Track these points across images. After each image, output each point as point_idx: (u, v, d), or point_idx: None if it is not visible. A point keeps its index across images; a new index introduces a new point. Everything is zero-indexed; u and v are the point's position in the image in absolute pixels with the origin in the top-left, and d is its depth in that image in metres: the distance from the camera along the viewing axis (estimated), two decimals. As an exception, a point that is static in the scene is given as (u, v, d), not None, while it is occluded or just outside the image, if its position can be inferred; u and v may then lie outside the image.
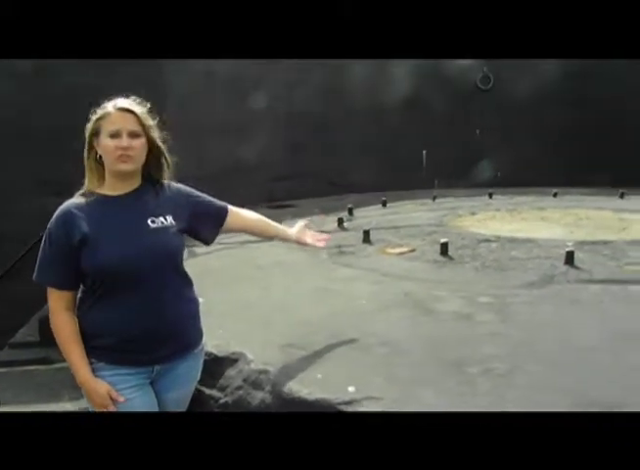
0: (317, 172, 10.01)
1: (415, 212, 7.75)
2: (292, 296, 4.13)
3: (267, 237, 2.94)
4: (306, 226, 3.04)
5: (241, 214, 2.76)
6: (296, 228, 2.98)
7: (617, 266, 4.63)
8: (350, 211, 7.65)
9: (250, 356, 3.11)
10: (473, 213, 7.64)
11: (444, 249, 5.08)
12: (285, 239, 2.97)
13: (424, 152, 10.85)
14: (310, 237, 3.01)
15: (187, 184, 2.59)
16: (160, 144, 2.37)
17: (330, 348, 3.16)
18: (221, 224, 2.65)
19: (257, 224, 2.85)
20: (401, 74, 10.28)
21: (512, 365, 2.84)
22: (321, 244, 3.05)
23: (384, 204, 8.43)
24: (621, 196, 8.55)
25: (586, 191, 9.31)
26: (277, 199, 9.34)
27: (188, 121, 8.21)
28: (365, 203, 8.77)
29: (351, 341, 3.23)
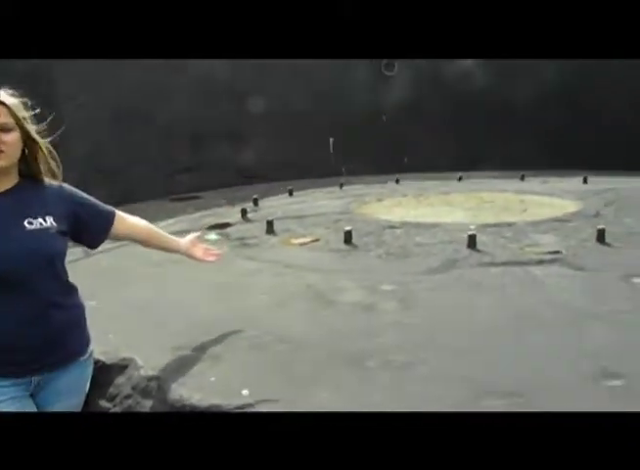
0: (223, 163, 9.76)
1: (321, 201, 7.66)
2: (189, 293, 3.93)
3: (156, 247, 2.77)
4: (198, 239, 2.92)
5: (129, 221, 2.57)
6: (186, 240, 2.85)
7: (518, 248, 4.67)
8: (255, 202, 7.48)
9: (139, 362, 2.90)
10: (379, 200, 7.62)
11: (348, 237, 4.99)
12: (174, 250, 2.82)
13: (331, 139, 10.80)
14: (201, 251, 2.90)
15: (77, 185, 2.38)
16: (36, 137, 2.14)
17: (226, 348, 2.99)
18: (107, 229, 2.45)
19: (146, 232, 2.67)
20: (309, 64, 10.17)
21: (412, 356, 2.76)
22: (211, 258, 2.94)
23: (290, 193, 8.30)
24: (522, 178, 8.77)
25: (490, 174, 9.49)
26: (181, 191, 9.04)
27: (83, 114, 7.82)
28: (272, 192, 8.62)
29: (249, 339, 3.08)
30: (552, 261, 4.25)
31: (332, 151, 10.78)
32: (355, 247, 4.91)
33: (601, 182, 8.05)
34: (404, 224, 5.69)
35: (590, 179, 8.18)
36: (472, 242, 4.69)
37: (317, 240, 5.24)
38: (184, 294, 3.93)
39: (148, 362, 2.88)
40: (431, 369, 2.63)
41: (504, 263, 4.25)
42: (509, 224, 5.52)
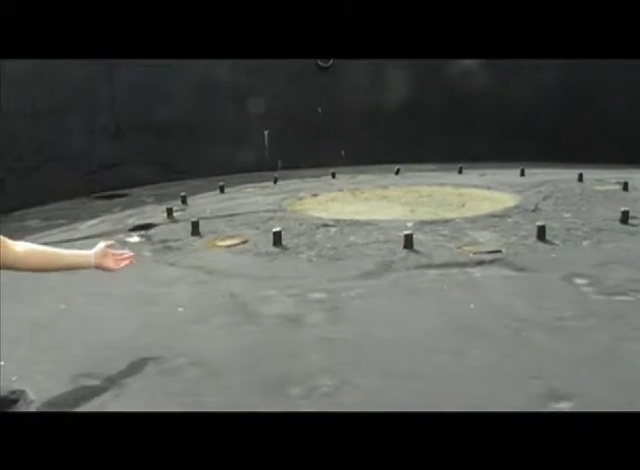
0: (153, 157, 9.25)
1: (254, 197, 7.29)
2: (97, 308, 3.53)
3: (59, 270, 2.40)
4: (108, 247, 2.61)
5: (17, 247, 2.23)
6: (95, 252, 2.51)
7: (456, 247, 4.44)
8: (183, 200, 7.04)
9: (31, 396, 2.53)
10: (314, 195, 7.32)
11: (277, 239, 4.66)
12: (82, 266, 2.49)
13: (265, 132, 10.44)
14: (112, 261, 2.60)
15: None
16: None
17: (132, 374, 2.65)
18: None
19: (41, 256, 2.33)
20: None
21: (340, 380, 2.46)
22: (124, 263, 2.68)
23: (221, 189, 7.88)
24: (460, 171, 8.60)
25: (427, 167, 9.30)
26: (106, 188, 8.50)
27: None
28: (203, 189, 8.19)
29: (159, 363, 2.74)
30: (492, 262, 4.04)
31: (267, 144, 10.42)
32: (285, 249, 4.59)
33: (537, 174, 7.95)
34: (338, 222, 5.39)
35: (527, 171, 8.07)
36: (408, 242, 4.43)
37: (245, 242, 4.89)
38: (91, 308, 3.54)
39: (41, 395, 2.52)
40: (361, 396, 2.34)
41: (442, 265, 4.01)
42: (447, 221, 5.30)
